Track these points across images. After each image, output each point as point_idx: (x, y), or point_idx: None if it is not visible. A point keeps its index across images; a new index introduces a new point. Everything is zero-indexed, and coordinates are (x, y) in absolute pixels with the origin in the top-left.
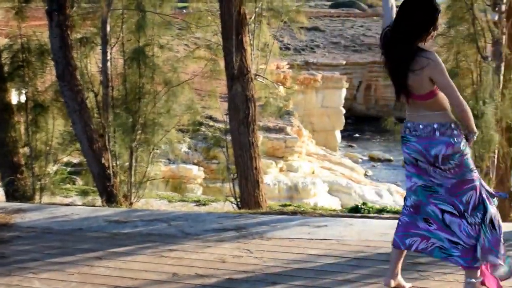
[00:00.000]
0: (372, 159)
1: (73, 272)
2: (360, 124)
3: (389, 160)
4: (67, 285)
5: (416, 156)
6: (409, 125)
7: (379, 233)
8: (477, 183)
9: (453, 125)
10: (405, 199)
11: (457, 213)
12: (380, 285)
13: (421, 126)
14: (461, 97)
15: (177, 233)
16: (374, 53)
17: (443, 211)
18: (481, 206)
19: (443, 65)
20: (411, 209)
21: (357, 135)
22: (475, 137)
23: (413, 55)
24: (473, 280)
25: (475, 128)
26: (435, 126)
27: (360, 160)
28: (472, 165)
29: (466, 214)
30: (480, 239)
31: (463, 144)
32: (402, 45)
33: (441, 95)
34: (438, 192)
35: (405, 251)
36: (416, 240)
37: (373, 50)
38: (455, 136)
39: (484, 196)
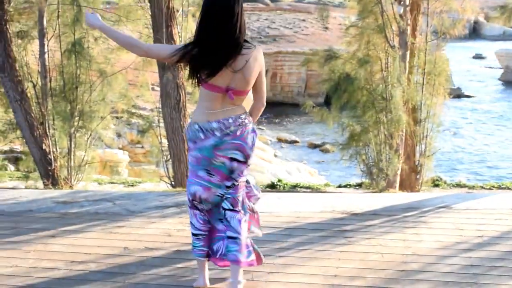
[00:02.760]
0: (280, 140)
1: (29, 250)
2: (268, 109)
3: (296, 142)
4: (24, 262)
5: None
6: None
7: (310, 204)
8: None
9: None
10: None
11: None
12: (310, 251)
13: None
14: None
15: (122, 211)
16: (279, 44)
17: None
18: None
19: None
20: None
21: (265, 119)
22: None
23: None
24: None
25: None
26: None
27: (269, 141)
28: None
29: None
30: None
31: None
32: None
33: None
34: None
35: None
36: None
37: (278, 41)
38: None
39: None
